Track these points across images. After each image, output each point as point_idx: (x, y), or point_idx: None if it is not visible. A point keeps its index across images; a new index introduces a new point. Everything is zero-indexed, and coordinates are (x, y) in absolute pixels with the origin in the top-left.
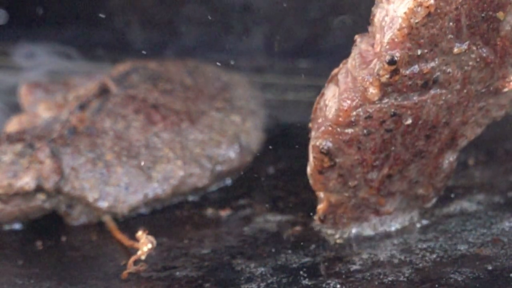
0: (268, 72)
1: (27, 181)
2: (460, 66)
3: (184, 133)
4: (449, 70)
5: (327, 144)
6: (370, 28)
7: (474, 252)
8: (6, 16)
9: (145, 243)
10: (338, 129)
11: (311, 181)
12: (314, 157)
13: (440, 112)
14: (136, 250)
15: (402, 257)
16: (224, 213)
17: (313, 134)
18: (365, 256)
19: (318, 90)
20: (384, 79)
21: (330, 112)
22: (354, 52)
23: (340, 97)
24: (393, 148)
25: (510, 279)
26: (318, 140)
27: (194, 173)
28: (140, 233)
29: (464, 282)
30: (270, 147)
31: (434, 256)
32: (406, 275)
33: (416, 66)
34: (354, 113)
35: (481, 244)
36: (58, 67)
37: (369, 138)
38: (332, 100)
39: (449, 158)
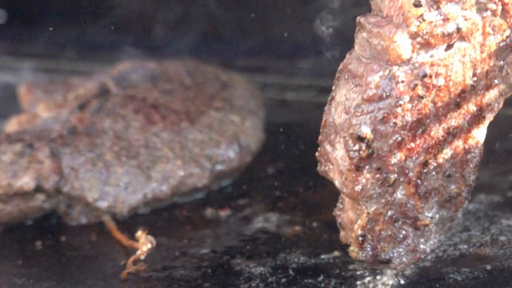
0: (268, 72)
1: (26, 181)
2: (479, 9)
3: (183, 133)
4: (470, 15)
5: (363, 127)
6: (373, 2)
7: (474, 252)
8: (6, 16)
9: (144, 243)
10: (370, 107)
11: (346, 190)
12: (349, 152)
13: (466, 72)
14: (136, 250)
15: None
16: (224, 213)
17: (332, 139)
18: None
19: (318, 90)
20: (413, 27)
21: (356, 100)
22: (360, 36)
23: (366, 72)
24: (427, 120)
25: (510, 279)
26: (351, 128)
27: (193, 173)
28: (139, 233)
29: (464, 282)
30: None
31: (434, 255)
32: (406, 275)
33: (440, 11)
34: (384, 82)
35: (481, 244)
36: (58, 67)
37: (403, 110)
38: (351, 92)
39: (478, 138)
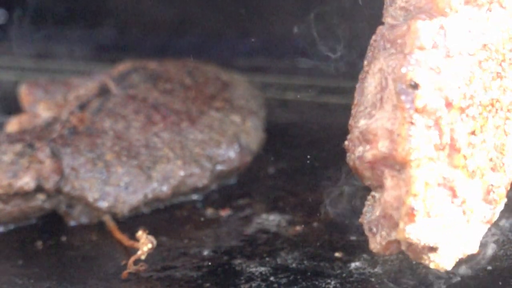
0: (269, 72)
1: (27, 181)
2: None
3: (184, 133)
4: None
5: (415, 75)
6: None
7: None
8: (6, 16)
9: (145, 243)
10: (418, 57)
11: (399, 149)
12: (403, 103)
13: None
14: (136, 250)
15: (401, 257)
16: (224, 213)
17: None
18: (364, 256)
19: (319, 90)
20: None
21: (398, 61)
22: (391, 8)
23: (410, 25)
24: (475, 80)
25: (510, 279)
26: (402, 78)
27: (194, 173)
28: (140, 233)
29: (464, 282)
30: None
31: None
32: (406, 275)
33: None
34: (433, 29)
35: (481, 243)
36: (58, 67)
37: (453, 63)
38: (390, 57)
39: None
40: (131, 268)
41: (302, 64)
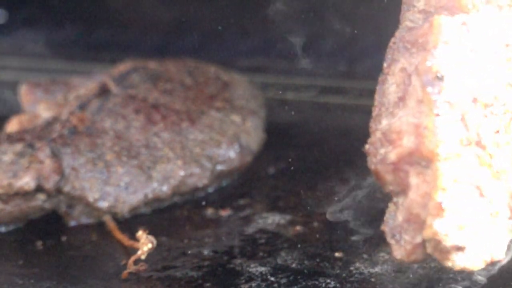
0: (269, 72)
1: (27, 181)
2: None
3: (184, 133)
4: None
5: (441, 67)
6: None
7: None
8: (6, 15)
9: (145, 243)
10: (442, 50)
11: (426, 142)
12: (429, 95)
13: None
14: (136, 250)
15: None
16: (224, 213)
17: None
18: (364, 256)
19: (319, 90)
20: None
21: (420, 58)
22: (409, 12)
23: (432, 23)
24: (499, 77)
25: (510, 279)
26: (428, 71)
27: (194, 173)
28: (140, 233)
29: (464, 282)
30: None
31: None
32: (406, 275)
33: None
34: (455, 25)
35: None
36: (58, 67)
37: (477, 59)
38: (412, 56)
39: None
40: (131, 268)
41: (302, 64)
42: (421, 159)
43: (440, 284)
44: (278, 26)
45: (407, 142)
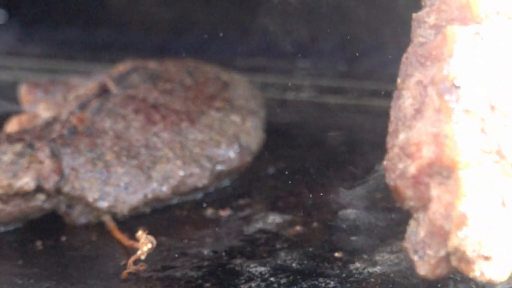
0: (269, 72)
1: (27, 181)
2: None
3: (184, 133)
4: None
5: (457, 76)
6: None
7: None
8: (6, 16)
9: (145, 243)
10: (457, 59)
11: (447, 151)
12: (447, 103)
13: None
14: (136, 250)
15: (401, 257)
16: (224, 213)
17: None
18: (364, 256)
19: (319, 90)
20: None
21: (433, 71)
22: (420, 30)
23: (445, 36)
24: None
25: (509, 279)
26: (445, 79)
27: (194, 173)
28: (140, 233)
29: (464, 282)
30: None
31: None
32: (406, 275)
33: None
34: (469, 34)
35: None
36: (58, 67)
37: (492, 67)
38: (427, 70)
39: None
40: (131, 268)
41: (302, 64)
42: (442, 169)
43: (440, 285)
44: (278, 26)
45: (427, 153)
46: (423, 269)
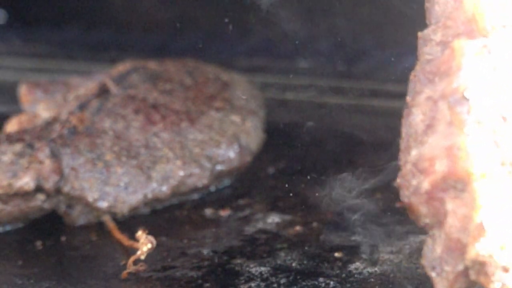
0: (269, 72)
1: (27, 181)
2: None
3: (183, 133)
4: None
5: (465, 89)
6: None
7: None
8: (6, 16)
9: (144, 243)
10: (467, 71)
11: (460, 163)
12: (458, 115)
13: None
14: (136, 250)
15: (401, 257)
16: (224, 213)
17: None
18: (364, 256)
19: (319, 90)
20: None
21: (443, 86)
22: (426, 48)
23: (453, 49)
24: None
25: None
26: (455, 92)
27: (193, 173)
28: (139, 233)
29: None
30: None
31: None
32: (406, 275)
33: None
34: (477, 47)
35: None
36: (58, 67)
37: (501, 79)
38: (437, 85)
39: None
40: (130, 268)
41: (302, 64)
42: (456, 182)
43: None
44: (278, 26)
45: (440, 167)
46: (441, 286)
